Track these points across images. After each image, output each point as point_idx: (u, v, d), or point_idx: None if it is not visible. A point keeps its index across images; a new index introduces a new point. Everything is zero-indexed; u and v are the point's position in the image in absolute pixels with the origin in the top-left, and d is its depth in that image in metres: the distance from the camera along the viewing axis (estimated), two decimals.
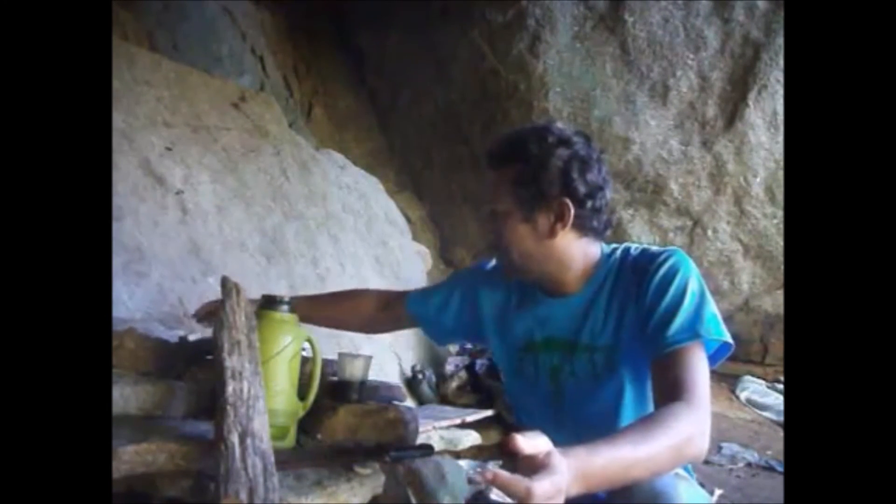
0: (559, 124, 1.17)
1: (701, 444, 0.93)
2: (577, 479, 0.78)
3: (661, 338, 1.04)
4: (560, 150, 1.11)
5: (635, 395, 1.14)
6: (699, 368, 1.01)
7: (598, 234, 1.16)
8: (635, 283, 1.11)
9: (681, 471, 0.93)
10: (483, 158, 1.20)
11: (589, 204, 1.12)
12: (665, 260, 1.10)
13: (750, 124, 4.97)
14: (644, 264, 1.12)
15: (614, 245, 1.21)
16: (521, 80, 5.17)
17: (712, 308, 1.07)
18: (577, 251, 1.15)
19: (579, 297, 1.17)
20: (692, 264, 1.11)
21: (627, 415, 1.14)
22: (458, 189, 5.58)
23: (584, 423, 1.13)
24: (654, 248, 1.15)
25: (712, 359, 1.08)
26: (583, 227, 1.14)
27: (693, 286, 1.07)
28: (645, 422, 0.93)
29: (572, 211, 1.11)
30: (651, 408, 1.10)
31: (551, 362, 1.18)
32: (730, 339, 1.06)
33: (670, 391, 0.98)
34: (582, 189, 1.11)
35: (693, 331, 1.03)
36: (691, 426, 0.92)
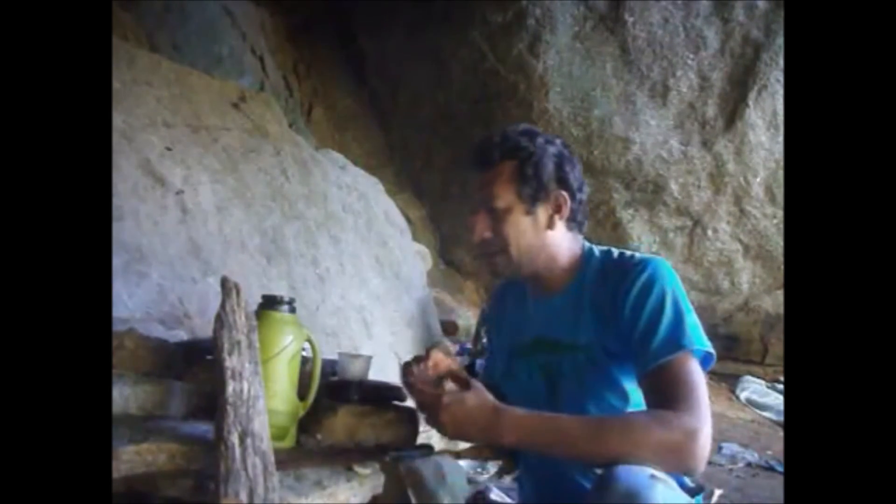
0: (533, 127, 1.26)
1: (691, 452, 0.91)
2: (503, 426, 0.97)
3: (645, 353, 1.03)
4: (550, 148, 1.19)
5: (627, 396, 1.12)
6: (690, 379, 0.99)
7: (580, 228, 1.23)
8: (611, 292, 1.11)
9: (660, 472, 0.91)
10: (470, 161, 1.24)
11: (578, 197, 1.20)
12: (641, 271, 1.09)
13: (750, 124, 4.97)
14: (621, 274, 1.11)
15: (596, 246, 1.22)
16: (521, 80, 5.17)
17: (693, 318, 1.05)
18: (565, 245, 1.20)
19: (564, 296, 1.19)
20: (671, 273, 1.09)
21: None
22: (458, 189, 5.57)
23: None
24: (636, 255, 1.14)
25: None
26: (571, 220, 1.20)
27: (672, 297, 1.06)
28: (619, 414, 0.97)
29: (569, 203, 1.18)
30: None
31: (543, 363, 1.19)
32: (712, 350, 1.05)
33: (662, 406, 0.98)
34: (574, 183, 1.19)
35: (676, 343, 1.02)
36: (675, 432, 0.92)
